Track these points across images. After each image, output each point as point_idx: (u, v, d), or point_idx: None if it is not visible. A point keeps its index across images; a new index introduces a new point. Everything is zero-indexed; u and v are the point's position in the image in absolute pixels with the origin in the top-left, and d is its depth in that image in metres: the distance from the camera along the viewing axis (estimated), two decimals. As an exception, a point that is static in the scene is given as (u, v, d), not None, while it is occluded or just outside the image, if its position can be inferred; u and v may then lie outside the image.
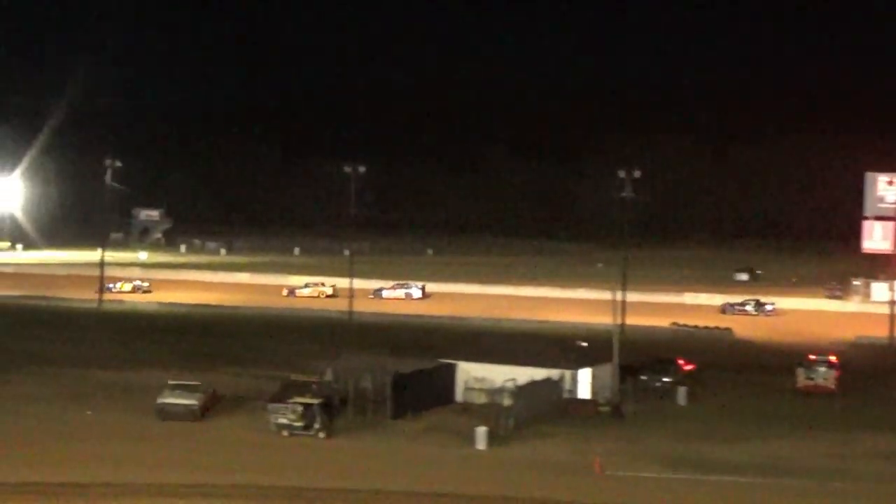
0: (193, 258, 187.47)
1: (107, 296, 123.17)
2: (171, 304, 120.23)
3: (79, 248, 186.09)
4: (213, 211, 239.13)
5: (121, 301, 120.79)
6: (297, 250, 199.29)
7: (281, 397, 62.27)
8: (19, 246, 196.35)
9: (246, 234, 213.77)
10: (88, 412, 65.42)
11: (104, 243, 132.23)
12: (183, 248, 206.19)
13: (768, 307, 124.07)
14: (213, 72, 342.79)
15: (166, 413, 63.30)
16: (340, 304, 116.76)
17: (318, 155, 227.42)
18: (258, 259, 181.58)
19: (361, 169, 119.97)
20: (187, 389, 64.70)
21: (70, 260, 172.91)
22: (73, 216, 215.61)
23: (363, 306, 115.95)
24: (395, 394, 64.62)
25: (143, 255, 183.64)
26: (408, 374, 66.70)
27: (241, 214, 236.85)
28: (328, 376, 67.50)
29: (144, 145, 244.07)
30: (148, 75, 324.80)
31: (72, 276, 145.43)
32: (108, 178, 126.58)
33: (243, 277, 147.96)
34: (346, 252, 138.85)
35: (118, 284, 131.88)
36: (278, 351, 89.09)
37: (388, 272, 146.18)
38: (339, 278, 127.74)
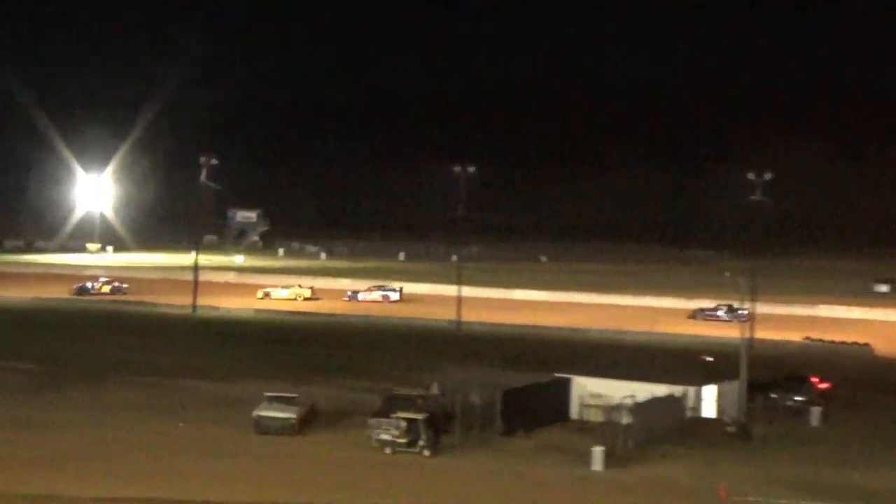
0: (292, 262, 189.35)
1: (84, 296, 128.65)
2: (267, 310, 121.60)
3: (171, 250, 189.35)
4: (314, 213, 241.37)
5: (215, 307, 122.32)
6: (401, 255, 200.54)
7: (384, 412, 62.34)
8: (109, 248, 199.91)
9: (347, 238, 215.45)
10: (181, 424, 66.19)
11: (198, 246, 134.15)
12: (281, 251, 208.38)
13: (742, 313, 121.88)
14: (315, 67, 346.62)
15: (263, 427, 63.66)
16: (402, 310, 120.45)
17: (425, 154, 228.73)
18: (360, 264, 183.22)
19: (471, 169, 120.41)
20: (285, 402, 65.02)
21: (162, 263, 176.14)
22: (166, 217, 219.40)
23: (341, 308, 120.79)
24: (506, 409, 64.39)
25: (238, 259, 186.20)
26: (519, 389, 66.50)
27: (342, 216, 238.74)
28: (434, 390, 67.71)
29: (241, 143, 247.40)
30: (245, 71, 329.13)
31: (165, 280, 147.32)
32: (202, 176, 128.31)
33: (344, 283, 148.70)
34: (454, 258, 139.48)
35: (97, 284, 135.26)
36: (381, 362, 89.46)
37: (498, 279, 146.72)
38: (445, 285, 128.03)
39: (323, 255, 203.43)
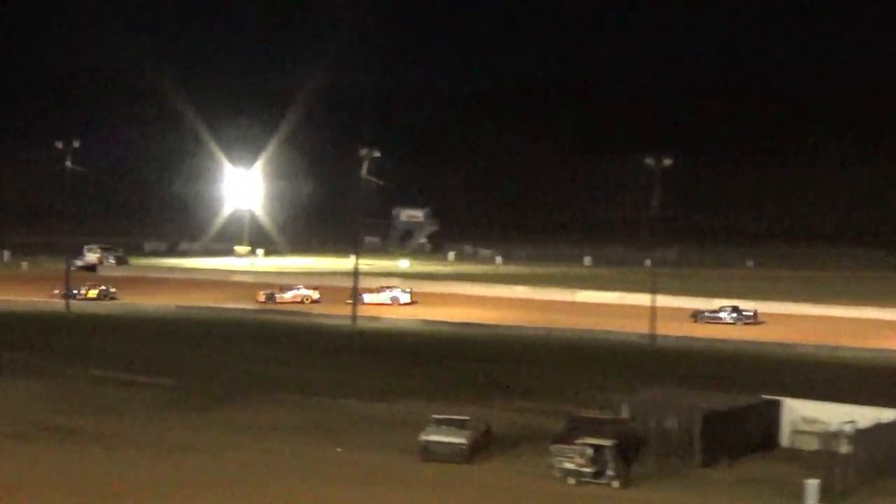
0: (463, 267, 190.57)
1: (72, 302, 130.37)
2: (434, 321, 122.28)
3: (328, 254, 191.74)
4: (487, 212, 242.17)
5: (376, 318, 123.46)
6: (587, 260, 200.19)
7: (567, 437, 61.82)
8: (260, 251, 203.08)
9: (525, 241, 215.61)
10: (338, 449, 66.99)
11: (358, 249, 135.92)
12: (451, 255, 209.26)
13: (747, 314, 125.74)
14: (485, 51, 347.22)
15: (430, 453, 63.81)
16: (583, 322, 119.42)
17: (612, 147, 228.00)
18: (540, 270, 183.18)
19: (667, 162, 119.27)
20: (455, 425, 65.10)
21: (318, 268, 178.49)
22: (322, 217, 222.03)
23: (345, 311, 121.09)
24: (706, 436, 63.71)
25: (404, 263, 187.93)
26: (722, 413, 65.77)
27: (520, 216, 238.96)
28: (624, 413, 67.22)
29: (407, 134, 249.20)
30: (416, 57, 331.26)
31: (322, 287, 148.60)
32: (363, 172, 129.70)
33: (521, 291, 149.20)
34: (648, 262, 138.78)
35: (83, 289, 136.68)
36: (562, 380, 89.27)
37: (698, 287, 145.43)
38: (637, 294, 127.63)
39: (498, 260, 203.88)
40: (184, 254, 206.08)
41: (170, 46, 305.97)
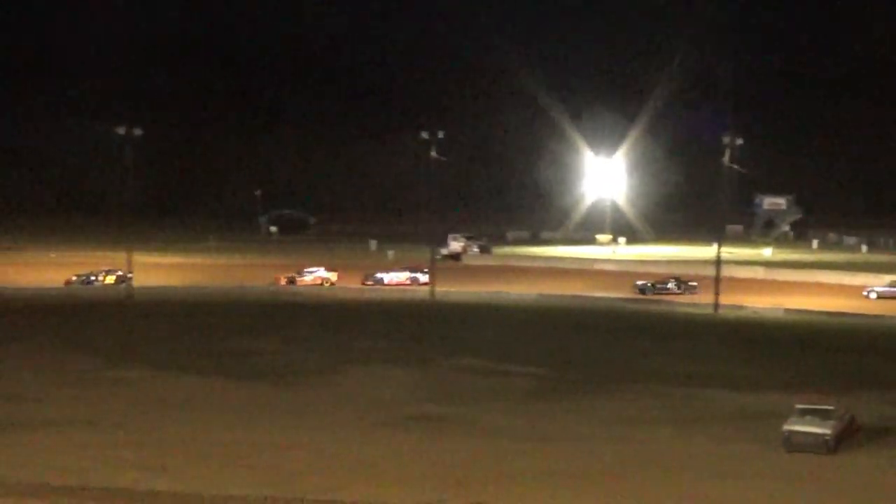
0: (827, 256, 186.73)
1: (88, 290, 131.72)
2: (799, 311, 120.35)
3: (691, 242, 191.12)
4: (853, 199, 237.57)
5: (739, 307, 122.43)
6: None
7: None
8: (622, 240, 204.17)
9: (894, 228, 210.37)
10: (701, 438, 67.08)
11: (720, 237, 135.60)
12: (815, 243, 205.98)
13: (693, 284, 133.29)
14: (849, 32, 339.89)
15: (794, 443, 63.29)
16: None
17: None
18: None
19: None
20: (819, 415, 64.27)
21: (680, 256, 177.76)
22: (683, 205, 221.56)
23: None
24: None
25: (767, 252, 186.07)
26: None
27: (888, 203, 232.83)
28: None
29: (771, 120, 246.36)
30: (758, 42, 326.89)
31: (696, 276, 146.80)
32: (726, 159, 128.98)
33: (887, 280, 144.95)
34: None
35: (100, 275, 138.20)
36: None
37: None
38: None
39: (864, 248, 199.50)
40: (546, 242, 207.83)
41: (530, 38, 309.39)
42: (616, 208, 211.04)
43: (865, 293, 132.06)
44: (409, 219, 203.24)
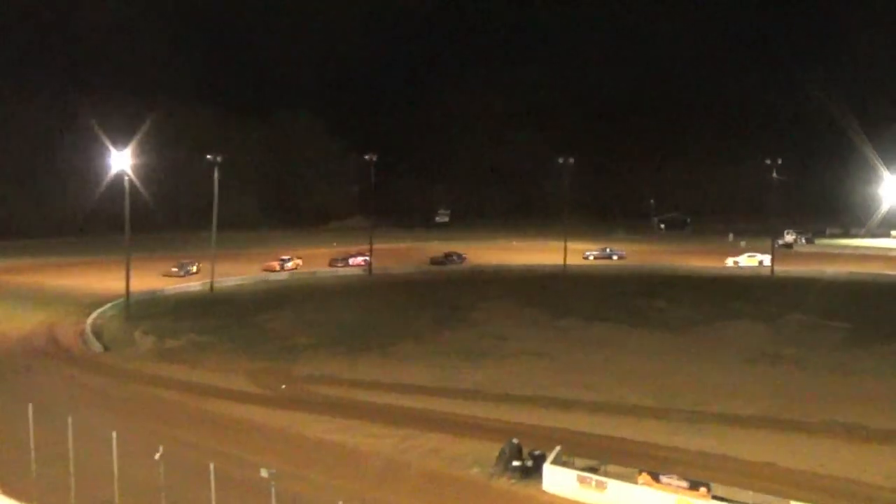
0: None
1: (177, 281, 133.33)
2: None
3: None
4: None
5: None
6: None
7: None
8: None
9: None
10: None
11: None
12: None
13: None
14: None
15: None
16: None
17: None
18: None
19: None
20: None
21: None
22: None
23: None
24: None
25: None
26: None
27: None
28: None
29: None
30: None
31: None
32: None
33: None
34: None
35: (192, 267, 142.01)
36: None
37: None
38: None
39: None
40: (854, 236, 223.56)
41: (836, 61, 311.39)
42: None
43: (584, 256, 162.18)
44: (756, 218, 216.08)
